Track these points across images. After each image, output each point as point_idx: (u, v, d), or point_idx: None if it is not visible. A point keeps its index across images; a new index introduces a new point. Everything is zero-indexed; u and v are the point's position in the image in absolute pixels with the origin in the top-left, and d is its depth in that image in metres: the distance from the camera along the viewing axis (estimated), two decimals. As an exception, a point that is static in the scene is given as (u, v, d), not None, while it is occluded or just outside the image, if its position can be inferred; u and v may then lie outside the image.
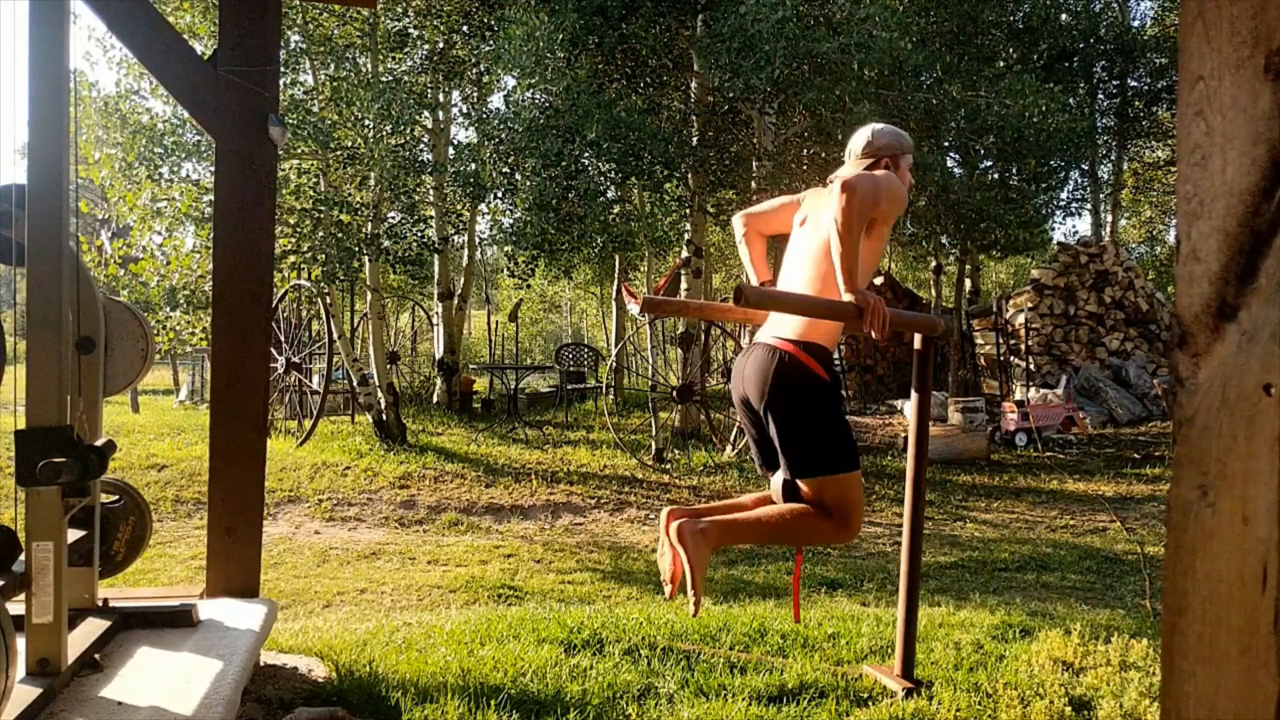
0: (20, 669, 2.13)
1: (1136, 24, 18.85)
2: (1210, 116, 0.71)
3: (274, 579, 5.63)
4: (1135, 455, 10.48)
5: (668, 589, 2.55)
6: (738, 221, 3.03)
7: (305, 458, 8.78)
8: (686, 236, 11.15)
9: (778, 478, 2.68)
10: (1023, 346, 13.71)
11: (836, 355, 2.96)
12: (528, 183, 9.48)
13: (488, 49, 11.36)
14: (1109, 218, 19.29)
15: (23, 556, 2.24)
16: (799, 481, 2.58)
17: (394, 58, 11.43)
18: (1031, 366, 13.72)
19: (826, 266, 2.60)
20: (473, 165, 9.99)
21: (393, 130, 9.31)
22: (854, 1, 9.26)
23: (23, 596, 2.22)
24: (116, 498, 2.94)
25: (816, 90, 9.14)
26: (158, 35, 3.03)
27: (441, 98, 12.83)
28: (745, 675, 3.02)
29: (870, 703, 2.87)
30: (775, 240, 3.13)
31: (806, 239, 2.77)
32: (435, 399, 14.29)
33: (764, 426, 2.62)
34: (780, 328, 2.65)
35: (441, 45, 11.78)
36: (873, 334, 2.50)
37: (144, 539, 2.99)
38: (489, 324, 19.09)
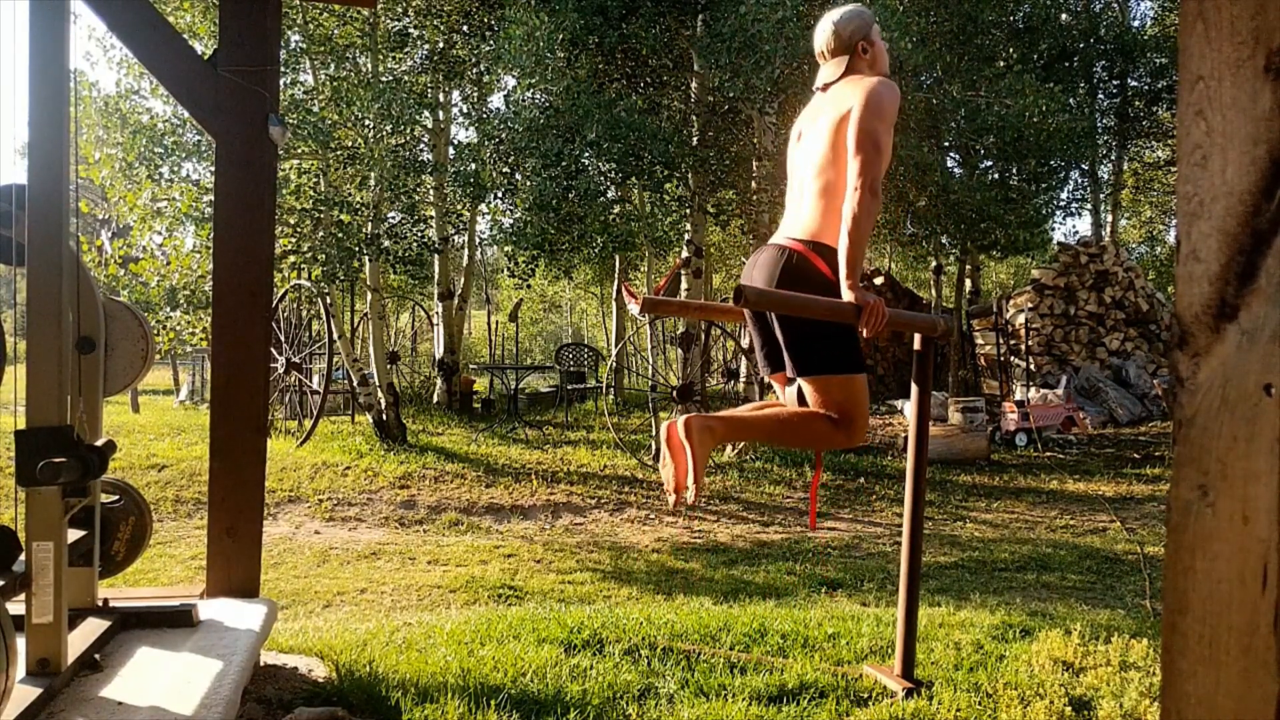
0: (20, 669, 2.13)
1: (1136, 24, 18.86)
2: (1210, 116, 0.71)
3: (274, 579, 5.63)
4: (1135, 455, 10.48)
5: (671, 498, 2.53)
6: None
7: (305, 458, 8.78)
8: (686, 236, 11.15)
9: (791, 390, 2.70)
10: (1023, 346, 13.71)
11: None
12: (528, 183, 9.48)
13: (488, 49, 11.36)
14: (1109, 218, 19.28)
15: (23, 556, 2.24)
16: (803, 381, 2.60)
17: (394, 58, 11.43)
18: (1031, 366, 13.72)
19: (830, 175, 2.62)
20: (473, 165, 9.99)
21: (393, 130, 9.31)
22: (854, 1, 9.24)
23: (23, 596, 2.22)
24: (116, 498, 2.94)
25: (816, 90, 9.12)
26: (158, 35, 3.03)
27: (441, 98, 12.83)
28: (745, 675, 3.02)
29: (870, 703, 2.87)
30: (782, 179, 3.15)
31: (806, 151, 2.78)
32: (435, 399, 14.29)
33: (770, 327, 2.64)
34: (791, 228, 2.69)
35: (441, 45, 11.78)
36: (863, 332, 2.51)
37: (144, 539, 2.99)
38: (489, 324, 19.10)
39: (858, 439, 2.62)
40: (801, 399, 2.64)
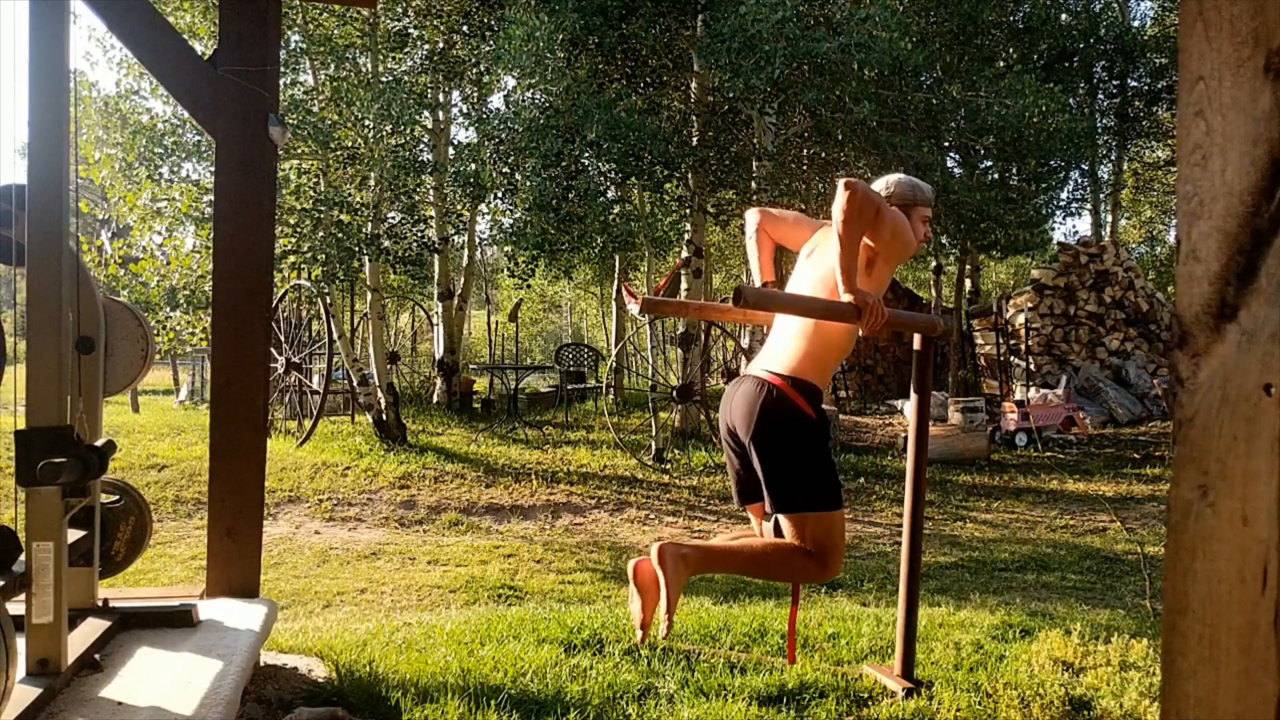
0: (20, 669, 2.13)
1: (1136, 24, 18.86)
2: (1210, 116, 0.71)
3: (274, 579, 5.63)
4: (1135, 455, 10.48)
5: (639, 634, 2.52)
6: (752, 216, 2.99)
7: (305, 458, 8.78)
8: (686, 236, 11.15)
9: (768, 524, 2.67)
10: (1023, 346, 13.71)
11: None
12: (528, 183, 9.48)
13: (488, 49, 11.35)
14: (1109, 218, 19.28)
15: (23, 556, 2.24)
16: (780, 517, 2.58)
17: (394, 58, 11.43)
18: (1031, 366, 13.72)
19: (827, 296, 2.61)
20: (473, 165, 9.99)
21: (393, 130, 9.31)
22: (854, 1, 9.26)
23: (23, 596, 2.22)
24: (116, 498, 2.94)
25: (816, 90, 9.14)
26: (158, 35, 3.03)
27: (441, 98, 12.83)
28: (745, 675, 3.02)
29: (870, 703, 2.87)
30: (784, 252, 3.13)
31: (811, 269, 2.77)
32: (435, 399, 14.28)
33: (748, 459, 2.62)
34: (771, 361, 2.65)
35: (441, 45, 11.78)
36: (863, 332, 2.51)
37: (144, 539, 2.99)
38: (489, 324, 19.08)
39: (832, 572, 2.58)
40: (778, 531, 2.61)
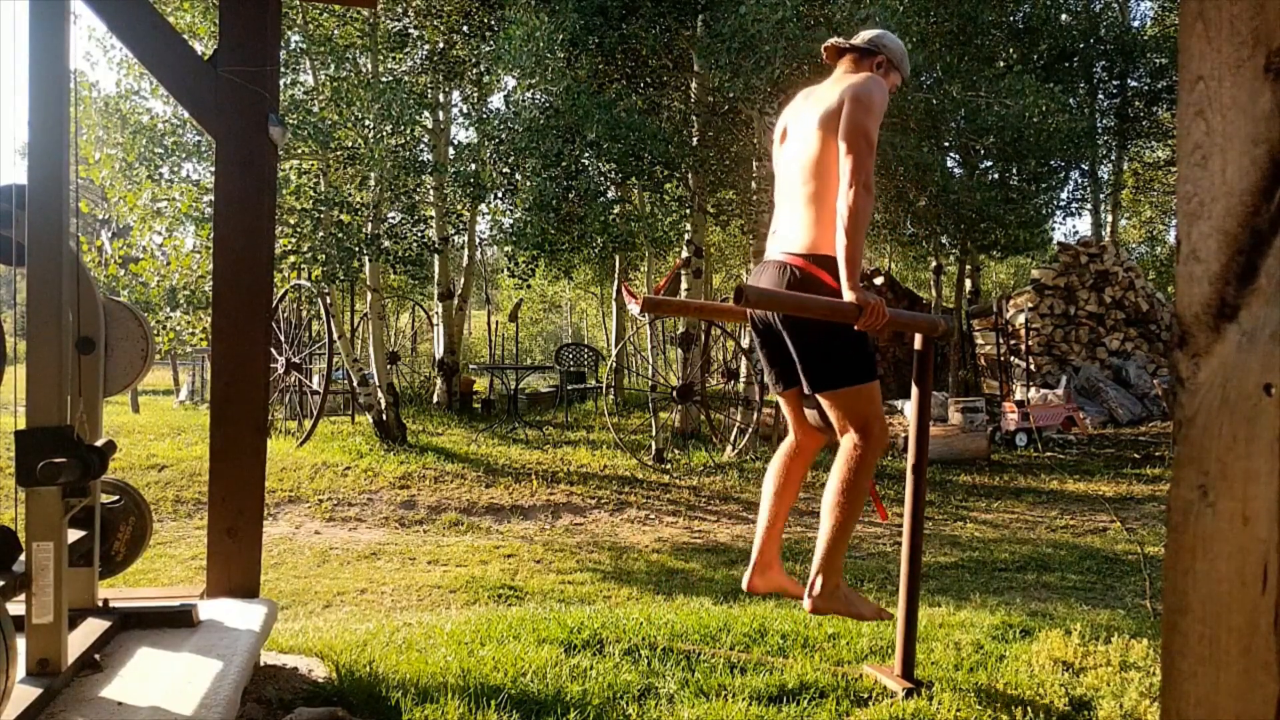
0: (20, 669, 2.13)
1: (1136, 24, 18.86)
2: (1210, 116, 0.71)
3: (274, 579, 5.63)
4: (1135, 455, 10.48)
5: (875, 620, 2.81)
6: None
7: (305, 458, 8.78)
8: (686, 236, 11.15)
9: (812, 412, 2.74)
10: (1023, 346, 13.72)
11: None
12: (528, 183, 9.48)
13: (488, 49, 11.35)
14: (1109, 218, 19.28)
15: (23, 556, 2.24)
16: (821, 397, 2.62)
17: (394, 58, 11.43)
18: (1031, 366, 13.72)
19: (819, 180, 2.60)
20: (473, 165, 9.99)
21: (393, 130, 9.31)
22: (854, 2, 9.25)
23: (23, 596, 2.22)
24: (116, 498, 2.94)
25: (816, 90, 9.12)
26: (158, 35, 3.03)
27: (441, 98, 12.83)
28: (745, 675, 3.02)
29: (870, 703, 2.87)
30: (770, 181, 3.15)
31: (793, 151, 2.75)
32: (435, 399, 14.28)
33: (781, 345, 2.65)
34: (788, 242, 2.67)
35: (441, 45, 11.77)
36: (855, 326, 2.52)
37: (144, 539, 2.99)
38: (489, 324, 19.08)
39: (883, 443, 2.70)
40: (821, 416, 2.67)
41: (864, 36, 2.86)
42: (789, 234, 2.68)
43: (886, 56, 2.80)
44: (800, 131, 2.71)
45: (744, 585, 2.66)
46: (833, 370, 2.59)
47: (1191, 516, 0.71)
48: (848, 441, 2.68)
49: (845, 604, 2.59)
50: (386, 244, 10.09)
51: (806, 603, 2.57)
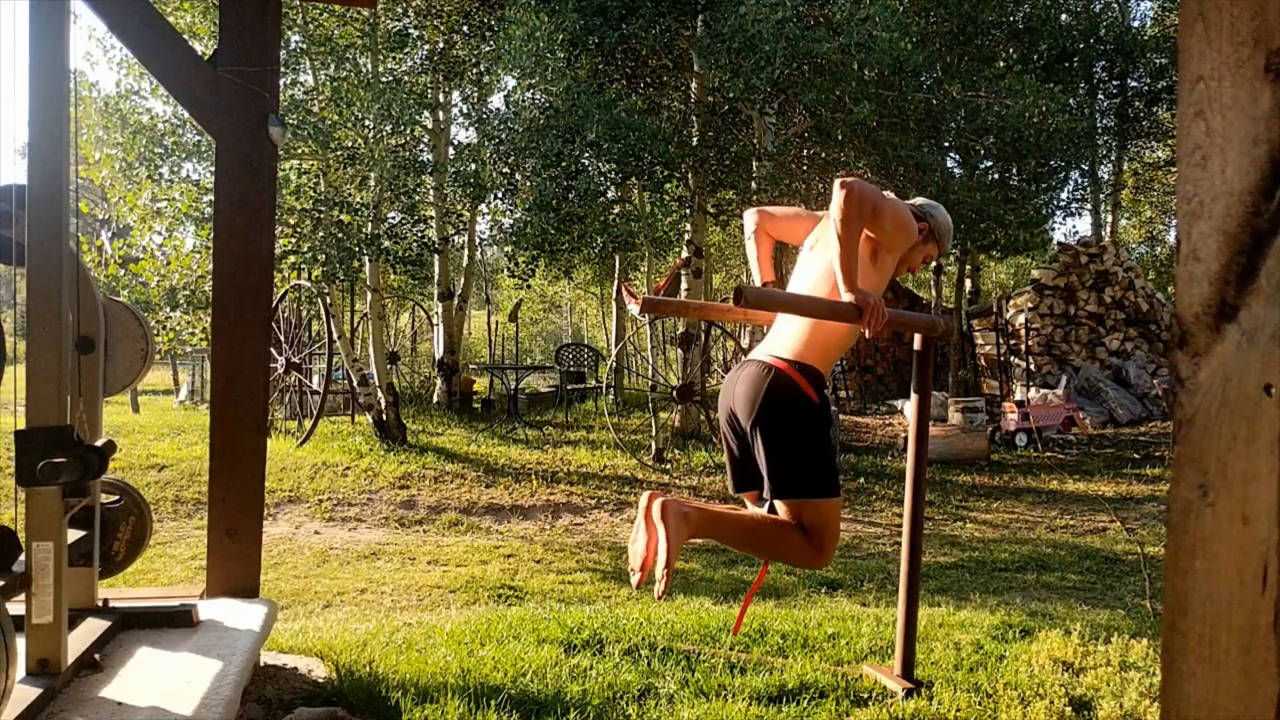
0: (20, 669, 2.13)
1: (1136, 24, 18.86)
2: (1210, 116, 0.71)
3: (274, 579, 5.63)
4: (1135, 455, 10.48)
5: (636, 576, 2.44)
6: (750, 217, 3.00)
7: (305, 458, 8.78)
8: (686, 236, 11.15)
9: (763, 508, 2.66)
10: (1023, 346, 13.72)
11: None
12: (528, 183, 9.48)
13: (488, 49, 11.36)
14: (1109, 218, 19.29)
15: (23, 556, 2.24)
16: (778, 503, 2.56)
17: (394, 58, 11.42)
18: (1031, 366, 13.72)
19: (830, 288, 2.61)
20: (473, 165, 9.99)
21: (393, 130, 9.31)
22: (854, 2, 9.25)
23: (23, 596, 2.22)
24: (116, 498, 2.94)
25: (817, 90, 9.14)
26: (158, 35, 3.03)
27: (441, 98, 12.83)
28: (745, 675, 3.02)
29: (870, 703, 2.87)
30: (784, 249, 3.14)
31: (815, 260, 2.77)
32: (435, 399, 14.28)
33: (748, 445, 2.60)
34: (776, 346, 2.64)
35: (441, 45, 11.77)
36: (866, 332, 2.50)
37: (144, 539, 2.99)
38: (489, 324, 19.09)
39: (825, 559, 2.56)
40: (771, 512, 2.60)
41: (916, 202, 2.88)
42: (778, 338, 2.67)
43: (931, 226, 2.83)
44: (823, 253, 2.72)
45: (644, 498, 2.49)
46: (799, 480, 2.52)
47: (1191, 516, 0.71)
48: (796, 532, 2.55)
49: (672, 540, 2.40)
50: (386, 244, 10.09)
51: (658, 503, 2.43)
